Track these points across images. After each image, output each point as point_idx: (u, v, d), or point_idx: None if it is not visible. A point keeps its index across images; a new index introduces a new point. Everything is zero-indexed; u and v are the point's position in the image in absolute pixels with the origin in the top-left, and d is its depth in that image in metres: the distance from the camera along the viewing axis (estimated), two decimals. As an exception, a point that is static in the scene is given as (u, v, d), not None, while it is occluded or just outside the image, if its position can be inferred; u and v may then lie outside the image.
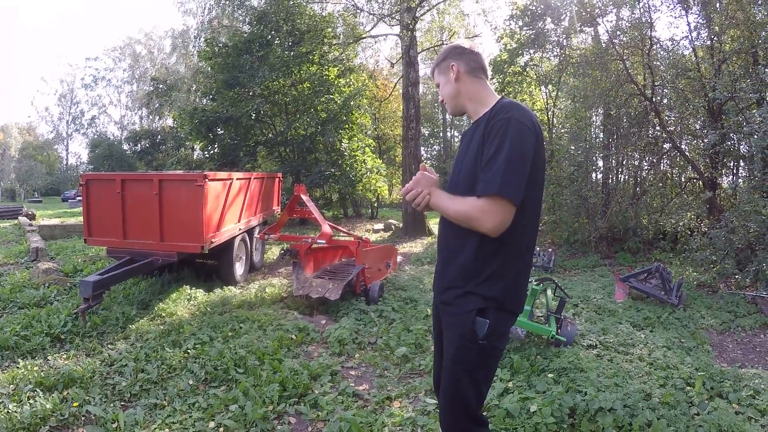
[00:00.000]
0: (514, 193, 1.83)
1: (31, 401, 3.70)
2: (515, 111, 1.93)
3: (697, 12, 10.90)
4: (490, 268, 1.98)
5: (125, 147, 44.61)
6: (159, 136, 41.33)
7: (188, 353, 4.77)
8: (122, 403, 3.89)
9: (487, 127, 1.95)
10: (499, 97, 2.13)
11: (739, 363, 5.19)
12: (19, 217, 18.78)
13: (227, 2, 19.46)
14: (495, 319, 1.99)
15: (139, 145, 42.04)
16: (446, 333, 2.12)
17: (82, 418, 3.60)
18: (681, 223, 10.95)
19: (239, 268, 8.47)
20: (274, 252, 11.06)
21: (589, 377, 4.12)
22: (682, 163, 11.92)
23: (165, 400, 3.92)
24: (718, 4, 10.36)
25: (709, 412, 3.67)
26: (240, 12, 19.85)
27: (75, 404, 3.71)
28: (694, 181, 12.08)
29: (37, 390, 3.89)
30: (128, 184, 6.98)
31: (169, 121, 41.63)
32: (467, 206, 1.90)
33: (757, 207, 7.97)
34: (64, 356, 4.77)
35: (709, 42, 10.86)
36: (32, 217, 19.38)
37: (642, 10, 11.53)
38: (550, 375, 4.22)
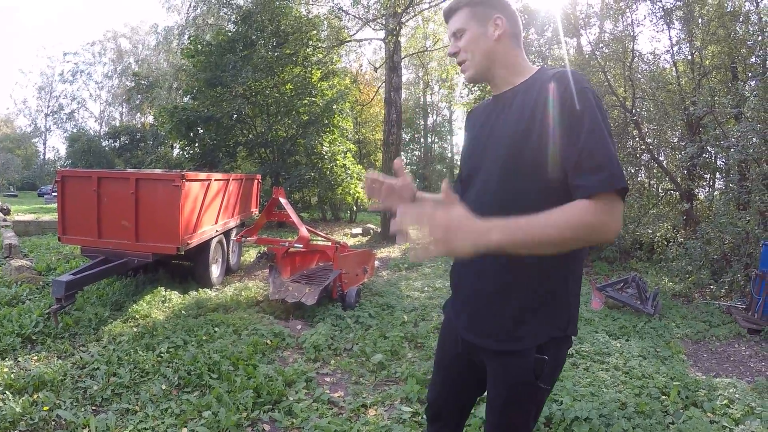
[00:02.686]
0: (624, 182, 1.37)
1: (1, 404, 3.58)
2: (585, 82, 1.49)
3: (680, 27, 11.13)
4: (551, 296, 1.60)
5: (104, 143, 44.08)
6: (139, 134, 40.94)
7: (161, 357, 4.67)
8: (93, 408, 3.78)
9: (547, 99, 1.48)
10: (539, 66, 1.72)
11: (714, 372, 5.25)
12: (-7, 212, 18.37)
13: (213, 0, 19.29)
14: (555, 353, 1.64)
15: (118, 142, 41.63)
16: (490, 378, 1.75)
17: (53, 423, 3.50)
18: (658, 234, 11.10)
19: (215, 271, 8.35)
20: (251, 254, 10.94)
21: (565, 386, 4.14)
22: (659, 174, 12.11)
23: (137, 405, 3.82)
24: (700, 20, 10.56)
25: (684, 421, 3.71)
26: (225, 10, 19.68)
27: (45, 408, 3.60)
28: (672, 192, 12.27)
29: (7, 392, 3.77)
30: (105, 181, 6.83)
31: (150, 119, 41.22)
32: (577, 213, 1.32)
33: (733, 219, 8.12)
34: (35, 358, 4.63)
35: (690, 57, 11.07)
36: (7, 211, 18.91)
37: (625, 24, 11.70)
38: (526, 384, 4.21)
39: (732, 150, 8.25)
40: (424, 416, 2.11)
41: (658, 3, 11.17)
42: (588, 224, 1.31)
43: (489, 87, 1.79)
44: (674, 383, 4.41)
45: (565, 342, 1.68)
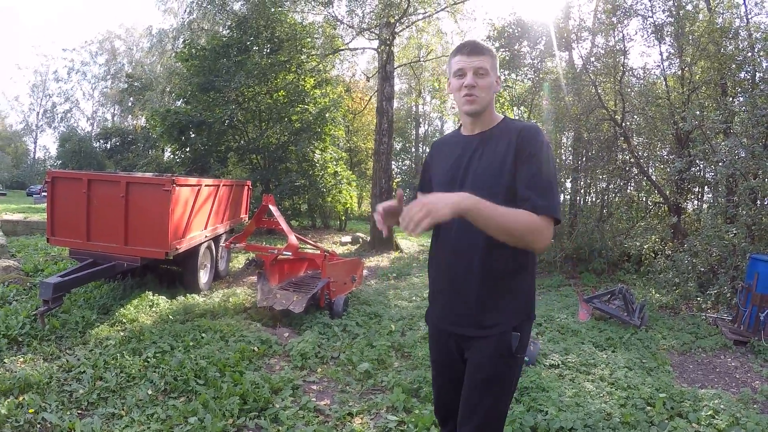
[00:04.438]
0: (559, 215, 1.92)
1: (-15, 406, 3.55)
2: (543, 136, 2.03)
3: (670, 43, 11.24)
4: (520, 283, 2.08)
5: (95, 144, 43.83)
6: (130, 136, 40.75)
7: (148, 362, 4.65)
8: (79, 412, 3.76)
9: (519, 142, 1.98)
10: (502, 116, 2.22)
11: (699, 383, 5.28)
12: (-20, 212, 18.19)
13: (209, 6, 19.25)
14: (526, 330, 2.11)
15: (109, 143, 41.42)
16: (474, 358, 2.09)
17: (38, 426, 3.47)
18: (645, 246, 11.17)
19: (203, 276, 8.32)
20: (239, 261, 10.92)
21: (550, 397, 4.16)
22: (648, 187, 12.20)
23: (123, 409, 3.81)
24: (690, 36, 10.67)
25: (669, 432, 3.73)
26: (221, 15, 19.66)
27: (31, 411, 3.58)
28: (660, 205, 12.36)
29: (-8, 394, 3.75)
30: (95, 184, 6.80)
31: (142, 121, 41.07)
32: (528, 218, 1.81)
33: (720, 232, 8.20)
34: (21, 360, 4.60)
35: (680, 72, 11.19)
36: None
37: (616, 39, 11.82)
38: (512, 394, 4.23)
39: (720, 164, 8.34)
40: (435, 420, 2.41)
41: (649, 19, 11.32)
42: (534, 229, 1.81)
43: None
44: (660, 394, 4.44)
45: (530, 322, 2.15)
